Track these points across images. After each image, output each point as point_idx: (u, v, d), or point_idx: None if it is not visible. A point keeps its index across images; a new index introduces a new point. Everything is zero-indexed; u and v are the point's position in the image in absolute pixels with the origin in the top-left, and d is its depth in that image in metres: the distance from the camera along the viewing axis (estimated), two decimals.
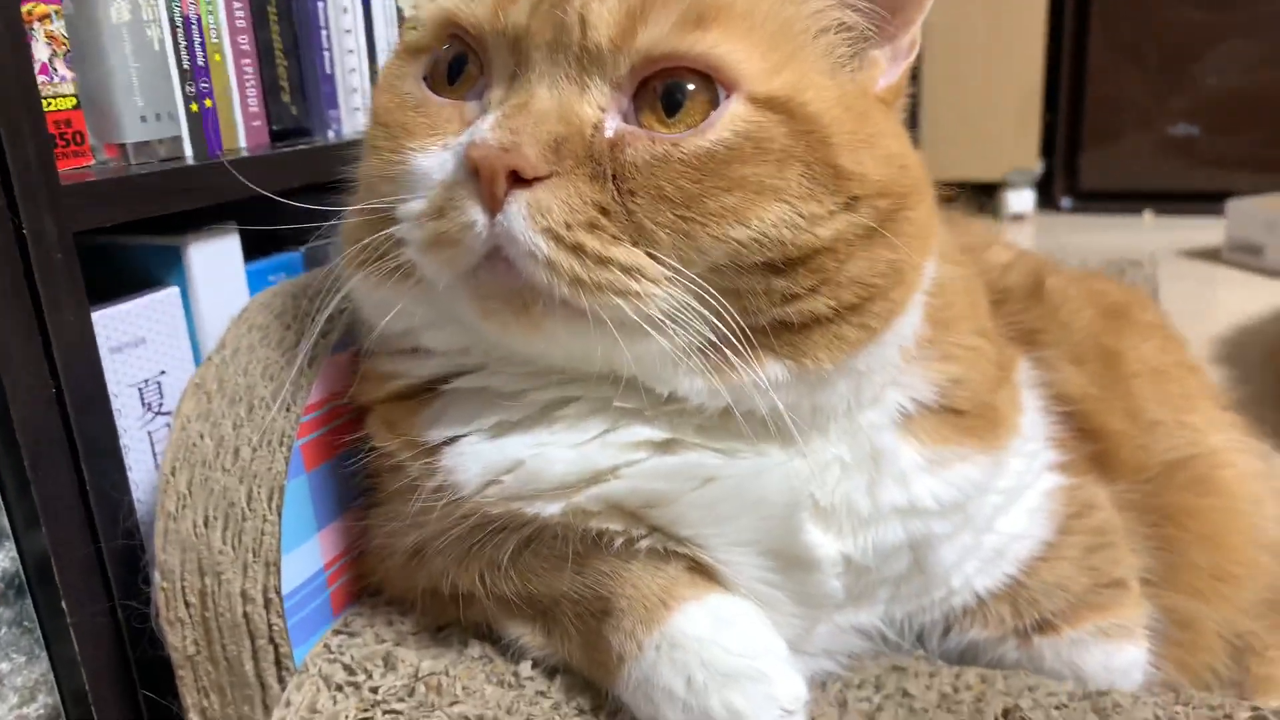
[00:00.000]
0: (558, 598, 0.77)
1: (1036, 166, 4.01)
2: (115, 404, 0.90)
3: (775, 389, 0.68)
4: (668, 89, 0.65)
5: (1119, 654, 0.84)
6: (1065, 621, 0.83)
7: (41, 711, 0.86)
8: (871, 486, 0.75)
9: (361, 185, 0.76)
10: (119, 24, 0.93)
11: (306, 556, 0.84)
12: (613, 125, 0.65)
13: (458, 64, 0.72)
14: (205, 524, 0.81)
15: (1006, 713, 0.76)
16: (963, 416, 0.79)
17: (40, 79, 0.86)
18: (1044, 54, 3.90)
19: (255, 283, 1.07)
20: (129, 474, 0.91)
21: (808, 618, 0.77)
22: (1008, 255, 1.12)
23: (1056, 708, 0.76)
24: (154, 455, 0.96)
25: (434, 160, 0.68)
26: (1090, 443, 0.94)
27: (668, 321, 0.65)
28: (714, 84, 0.65)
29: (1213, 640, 0.93)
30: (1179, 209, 3.87)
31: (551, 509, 0.72)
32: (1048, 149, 4.09)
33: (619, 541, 0.74)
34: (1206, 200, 3.57)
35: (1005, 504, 0.82)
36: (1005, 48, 3.87)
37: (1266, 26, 3.74)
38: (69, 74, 0.89)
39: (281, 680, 0.82)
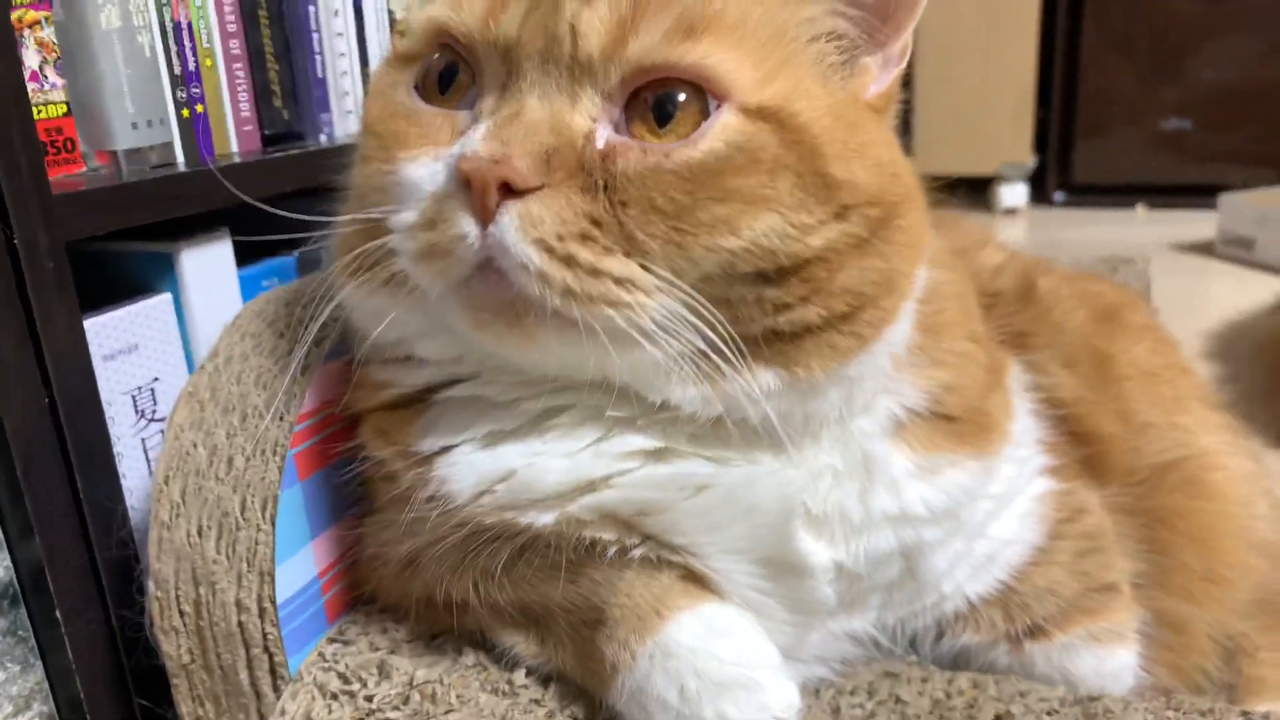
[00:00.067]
0: (551, 607, 0.77)
1: (1029, 161, 4.01)
2: (108, 411, 0.90)
3: (767, 397, 0.69)
4: (659, 99, 0.65)
5: (1110, 659, 0.84)
6: (1056, 626, 0.84)
7: None
8: (863, 494, 0.76)
9: (353, 194, 0.76)
10: (109, 30, 0.93)
11: (300, 565, 0.84)
12: (604, 136, 0.65)
13: (449, 73, 0.71)
14: (199, 533, 0.81)
15: (998, 718, 0.77)
16: (954, 423, 0.79)
17: (31, 86, 0.86)
18: (1037, 49, 3.90)
19: (248, 288, 1.07)
20: (123, 481, 0.91)
21: (801, 625, 0.78)
22: (1000, 256, 1.12)
23: (1048, 713, 0.77)
24: (148, 462, 0.96)
25: (425, 171, 0.68)
26: (1081, 446, 0.94)
27: (660, 331, 0.65)
28: (705, 94, 0.65)
29: (1204, 642, 0.94)
30: (1172, 202, 3.88)
31: (545, 519, 0.72)
32: (1041, 143, 4.09)
33: (612, 550, 0.74)
34: (1199, 194, 3.58)
35: (997, 510, 0.82)
36: (998, 43, 3.87)
37: (1259, 21, 3.74)
38: (59, 81, 0.89)
39: (276, 689, 0.82)
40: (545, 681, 0.79)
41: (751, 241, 0.65)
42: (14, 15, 0.85)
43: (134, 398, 0.95)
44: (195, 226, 1.01)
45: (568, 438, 0.73)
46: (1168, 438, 0.99)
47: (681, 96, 0.65)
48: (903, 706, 0.78)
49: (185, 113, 1.02)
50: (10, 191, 0.79)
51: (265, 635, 0.81)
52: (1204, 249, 3.27)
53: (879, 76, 0.74)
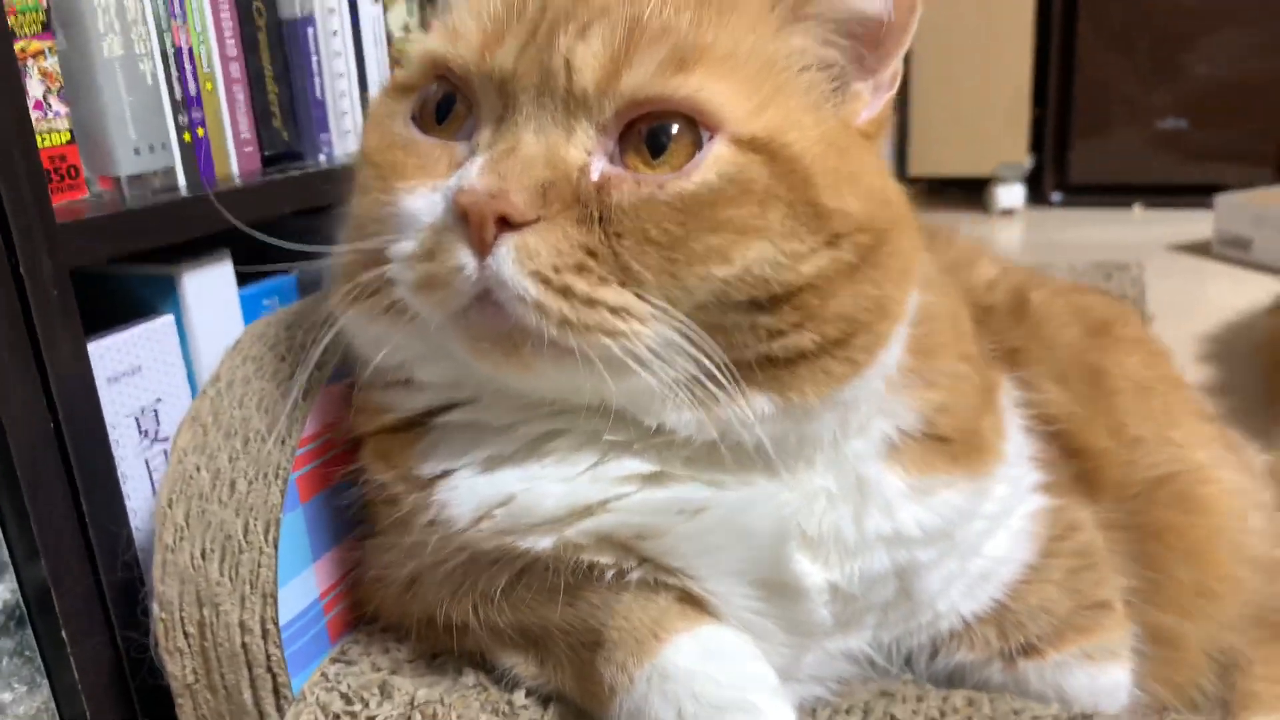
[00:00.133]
0: (550, 629, 0.78)
1: (1026, 161, 4.02)
2: (112, 433, 0.91)
3: (762, 422, 0.70)
4: (652, 131, 0.66)
5: (1103, 676, 0.85)
6: (1050, 645, 0.84)
7: None
8: (858, 516, 0.77)
9: (352, 224, 0.77)
10: (111, 59, 0.94)
11: (303, 587, 0.85)
12: (599, 167, 0.67)
13: (446, 103, 0.73)
14: (203, 556, 0.82)
15: None
16: (947, 443, 0.80)
17: (34, 114, 0.87)
18: (1032, 48, 3.91)
19: (249, 308, 1.08)
20: (127, 502, 0.92)
21: (797, 645, 0.79)
22: (993, 270, 1.13)
23: None
24: (151, 482, 0.98)
25: (423, 202, 0.69)
26: (1074, 461, 0.95)
27: (654, 358, 0.66)
28: (698, 125, 0.66)
29: (1198, 657, 0.95)
30: (1169, 202, 3.88)
31: (543, 543, 0.73)
32: (1037, 143, 4.09)
33: (610, 574, 0.75)
34: (1196, 193, 3.58)
35: (990, 529, 0.83)
36: (994, 43, 3.88)
37: (1255, 15, 3.74)
38: (63, 109, 0.90)
39: (279, 709, 0.83)
40: (545, 702, 0.80)
41: (744, 270, 0.66)
42: (18, 46, 0.85)
43: (137, 419, 0.96)
44: (196, 248, 1.02)
45: (565, 462, 0.75)
46: (1160, 452, 1.00)
47: (675, 128, 0.66)
48: None
49: (186, 136, 1.03)
50: (15, 221, 0.80)
51: (269, 656, 0.82)
52: (1201, 249, 3.28)
53: (870, 102, 0.75)
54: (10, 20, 0.85)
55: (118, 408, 0.94)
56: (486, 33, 0.70)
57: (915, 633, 0.85)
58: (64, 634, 0.85)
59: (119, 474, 0.91)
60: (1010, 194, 4.00)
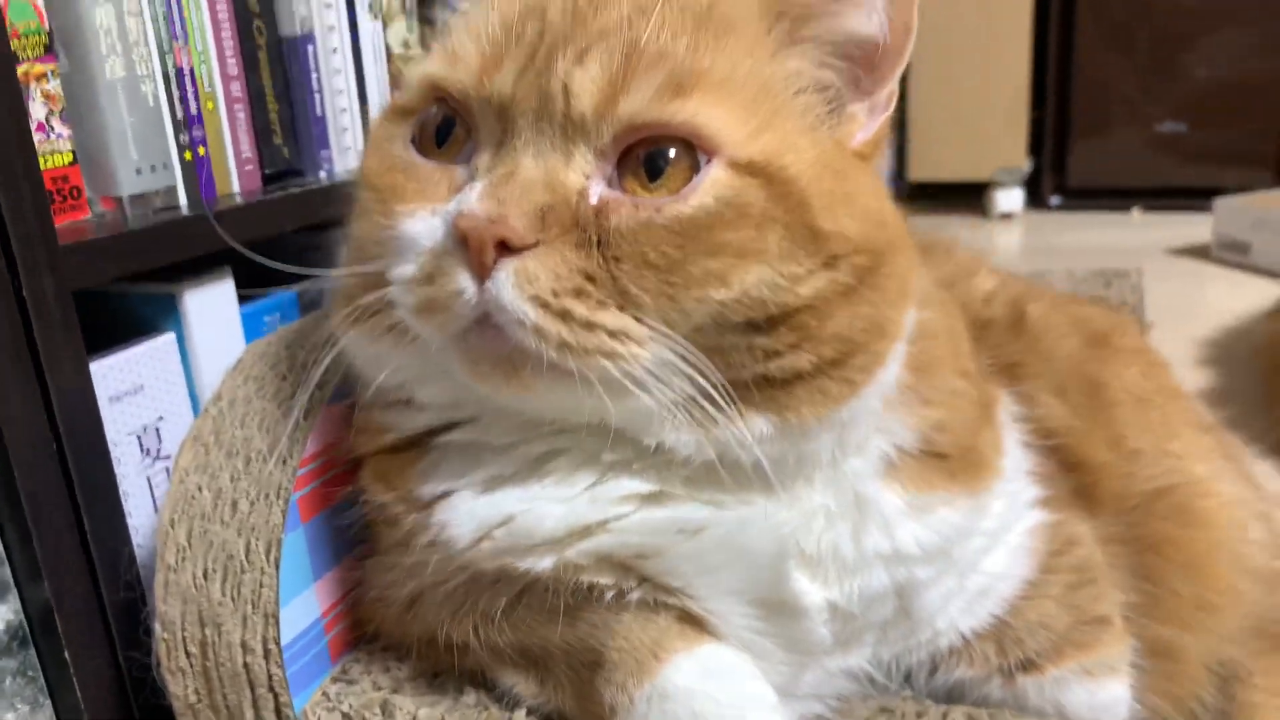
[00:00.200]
0: (551, 649, 0.78)
1: (1024, 165, 4.02)
2: (114, 451, 0.92)
3: (760, 443, 0.70)
4: (650, 156, 0.67)
5: (1102, 691, 0.86)
6: (1048, 660, 0.85)
7: None
8: (856, 534, 0.77)
9: (353, 246, 0.78)
10: (113, 80, 0.94)
11: (304, 606, 0.86)
12: (597, 191, 0.67)
13: (445, 127, 0.73)
14: (205, 576, 0.83)
15: None
16: (945, 460, 0.81)
17: (37, 137, 0.87)
18: (1030, 52, 3.91)
19: (250, 324, 1.09)
20: (129, 520, 0.93)
21: (796, 664, 0.79)
22: (991, 283, 1.13)
23: None
24: (154, 500, 0.98)
25: (423, 226, 0.69)
26: (1072, 475, 0.95)
27: (652, 380, 0.67)
28: (695, 149, 0.67)
29: (1197, 670, 0.95)
30: (1168, 205, 3.88)
31: (543, 564, 0.74)
32: (1036, 147, 4.09)
33: (610, 594, 0.75)
34: (1195, 196, 3.58)
35: (989, 545, 0.84)
36: (992, 47, 3.88)
37: (1254, 16, 3.73)
38: (65, 130, 0.91)
39: None
40: None
41: (742, 293, 0.66)
42: (20, 69, 0.86)
43: (139, 437, 0.97)
44: (198, 266, 1.02)
45: (564, 482, 0.75)
46: (1159, 465, 1.00)
47: (672, 152, 0.67)
48: None
49: (188, 155, 1.04)
50: (18, 243, 0.81)
51: (270, 676, 0.82)
52: (1200, 252, 3.28)
53: (866, 124, 0.76)
54: (13, 44, 0.85)
55: (120, 426, 0.94)
56: (485, 56, 0.70)
57: (914, 649, 0.85)
58: (66, 654, 0.85)
59: (121, 492, 0.92)
60: (1009, 198, 4.00)
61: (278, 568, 0.82)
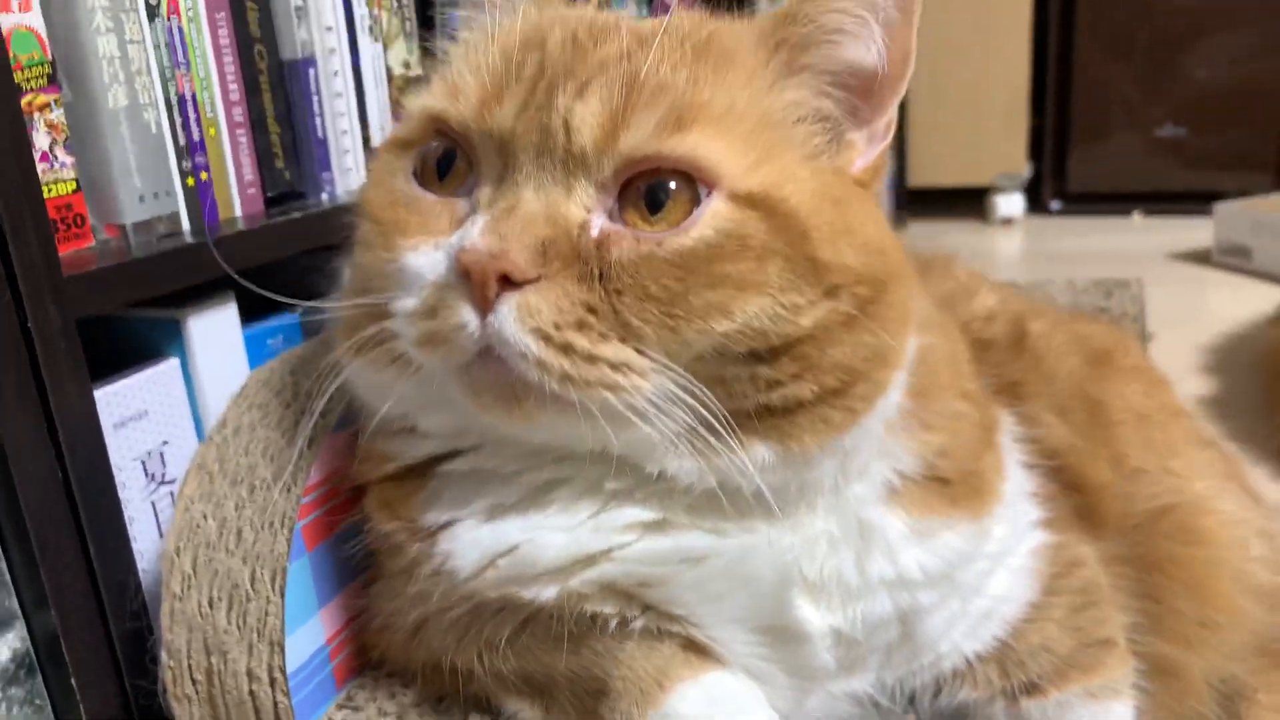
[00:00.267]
0: (555, 677, 0.79)
1: (1025, 170, 4.01)
2: (119, 477, 0.92)
3: (762, 471, 0.70)
4: (650, 189, 0.67)
5: (1106, 714, 0.85)
6: (1052, 684, 0.85)
7: None
8: (860, 559, 0.77)
9: (356, 277, 0.78)
10: (116, 109, 0.95)
11: (309, 634, 0.86)
12: (598, 224, 0.67)
13: (446, 159, 0.73)
14: (210, 604, 0.83)
15: None
16: (948, 485, 0.81)
17: (41, 166, 0.88)
18: (1030, 57, 3.91)
19: (253, 347, 1.09)
20: (134, 545, 0.93)
21: (800, 689, 0.80)
22: (992, 301, 1.13)
23: None
24: (158, 525, 0.98)
25: (426, 259, 0.69)
26: (1074, 494, 0.96)
27: (654, 410, 0.67)
28: (695, 182, 0.67)
29: (1200, 688, 0.95)
30: (1168, 209, 3.88)
31: (546, 593, 0.74)
32: (1036, 152, 4.09)
33: (614, 622, 0.76)
34: (1196, 200, 3.58)
35: (992, 568, 0.84)
36: (991, 52, 3.87)
37: (1254, 17, 3.73)
38: (69, 159, 0.91)
39: None
40: None
41: (743, 324, 0.67)
42: (24, 100, 0.86)
43: (144, 462, 0.97)
44: (201, 290, 1.02)
45: (567, 511, 0.75)
46: (1160, 484, 1.01)
47: (672, 185, 0.67)
48: None
49: (190, 181, 1.04)
50: (23, 274, 0.81)
51: (276, 704, 0.83)
52: (1201, 257, 3.27)
53: (865, 151, 0.76)
54: (16, 75, 0.86)
55: (124, 452, 0.94)
56: (486, 90, 0.71)
57: (918, 673, 0.85)
58: (74, 682, 0.86)
59: (125, 517, 0.92)
60: (1009, 203, 4.00)
61: (283, 596, 0.83)
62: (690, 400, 0.67)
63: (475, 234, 0.66)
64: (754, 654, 0.77)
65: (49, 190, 0.89)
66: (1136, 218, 3.95)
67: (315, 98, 1.19)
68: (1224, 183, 3.58)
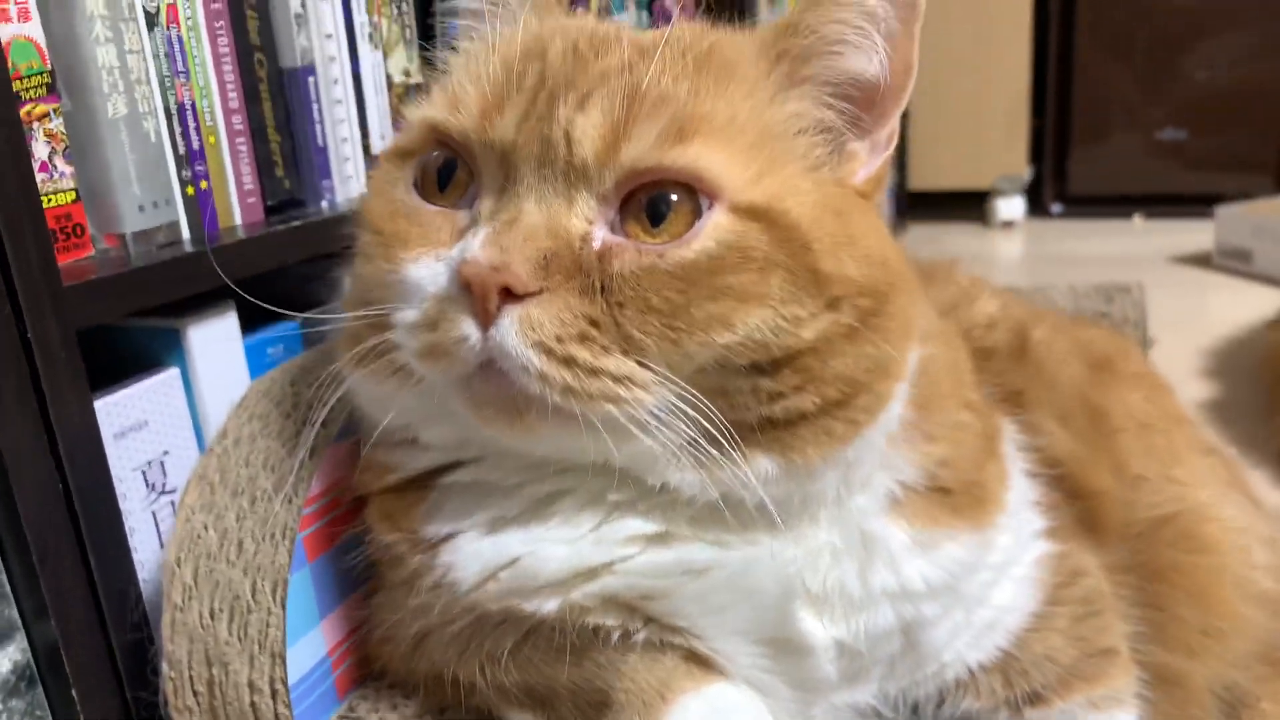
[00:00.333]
0: (557, 689, 0.78)
1: (1025, 173, 4.02)
2: (119, 487, 0.92)
3: (765, 483, 0.70)
4: (652, 200, 0.67)
5: None
6: (1055, 693, 0.85)
7: None
8: (863, 571, 0.77)
9: (356, 288, 0.78)
10: (116, 119, 0.95)
11: (311, 645, 0.86)
12: (600, 236, 0.67)
13: (447, 170, 0.73)
14: (211, 616, 0.83)
15: None
16: (950, 496, 0.81)
17: (40, 177, 0.87)
18: (1030, 59, 3.91)
19: (254, 356, 1.09)
20: (134, 555, 0.93)
21: (803, 701, 0.79)
22: (994, 308, 1.13)
23: None
24: (159, 534, 0.98)
25: (427, 271, 0.69)
26: (1077, 504, 0.96)
27: (656, 423, 0.67)
28: (697, 194, 0.67)
29: (1203, 696, 0.95)
30: (1169, 212, 3.88)
31: (548, 606, 0.74)
32: (1036, 155, 4.09)
33: (616, 635, 0.76)
34: (1196, 203, 3.58)
35: (995, 579, 0.83)
36: (991, 55, 3.88)
37: (1254, 19, 3.73)
38: (68, 169, 0.91)
39: None
40: None
41: (745, 336, 0.66)
42: (23, 110, 0.86)
43: (144, 472, 0.97)
44: (201, 299, 1.02)
45: (569, 523, 0.75)
46: (1162, 491, 1.01)
47: (674, 197, 0.67)
48: None
49: (190, 190, 1.04)
50: (22, 285, 0.81)
51: (278, 715, 0.83)
52: (1201, 260, 3.28)
53: (867, 161, 0.76)
54: (15, 84, 0.86)
55: (124, 462, 0.94)
56: (486, 101, 0.71)
57: (921, 683, 0.85)
58: (74, 693, 0.85)
59: (126, 528, 0.92)
60: (1010, 206, 4.00)
61: (284, 607, 0.83)
62: (692, 412, 0.67)
63: (476, 246, 0.65)
64: (756, 666, 0.77)
65: (48, 200, 0.89)
66: (1137, 220, 3.96)
67: (315, 106, 1.19)
68: (1224, 185, 3.59)
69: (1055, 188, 4.15)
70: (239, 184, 1.10)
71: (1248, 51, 3.76)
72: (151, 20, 0.99)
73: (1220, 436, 1.76)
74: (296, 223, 1.12)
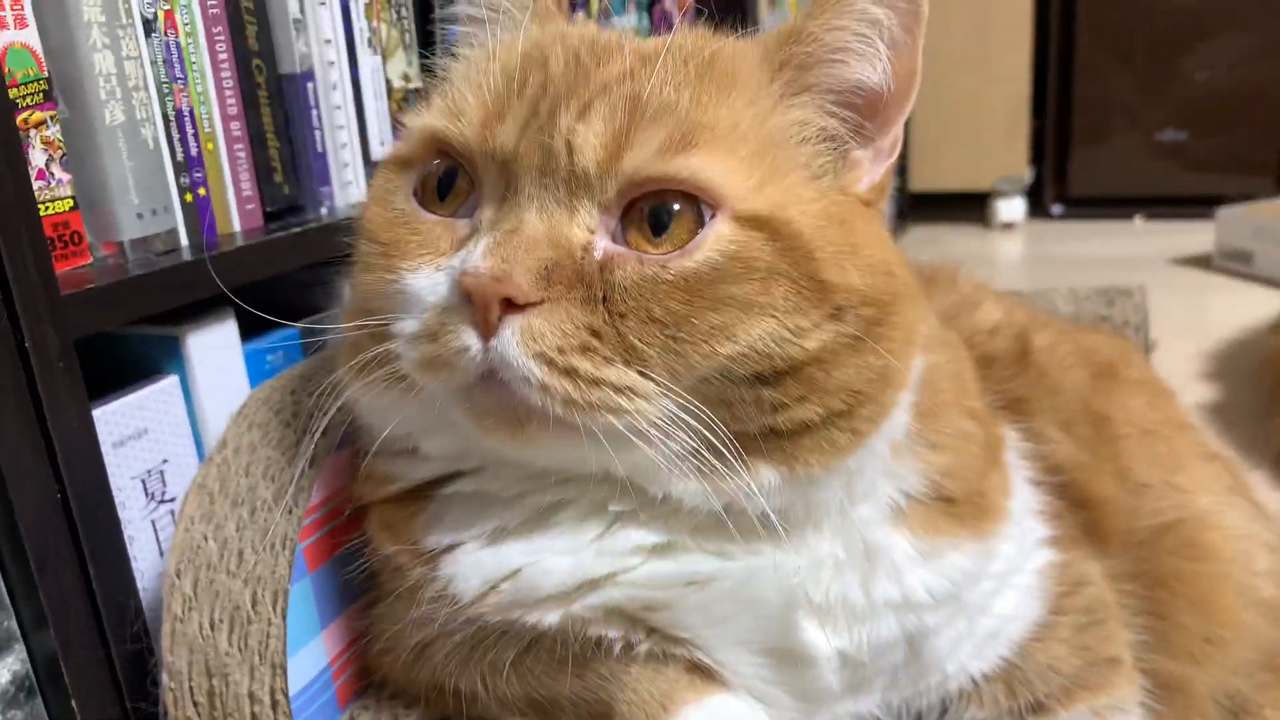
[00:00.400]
0: (559, 701, 0.78)
1: (1026, 174, 4.01)
2: (118, 496, 0.91)
3: (767, 493, 0.70)
4: (654, 210, 0.67)
5: None
6: (1058, 703, 0.84)
7: None
8: (865, 582, 0.77)
9: (356, 298, 0.77)
10: (113, 126, 0.94)
11: (311, 655, 0.86)
12: (601, 246, 0.67)
13: (447, 178, 0.73)
14: (212, 626, 0.83)
15: None
16: (953, 505, 0.80)
17: (37, 184, 0.87)
18: (1030, 61, 3.91)
19: (253, 363, 1.08)
20: (134, 564, 0.92)
21: (806, 711, 0.79)
22: (996, 313, 1.13)
23: None
24: (158, 543, 0.98)
25: (427, 281, 0.69)
26: (1080, 511, 0.95)
27: (658, 434, 0.67)
28: (699, 203, 0.67)
29: (1205, 704, 0.95)
30: (1170, 213, 3.88)
31: (550, 618, 0.74)
32: (1037, 156, 4.09)
33: (618, 646, 0.75)
34: (1197, 204, 3.58)
35: (998, 588, 0.83)
36: (992, 56, 3.87)
37: (1254, 19, 3.72)
38: (65, 176, 0.90)
39: None
40: None
41: (748, 347, 0.66)
42: (20, 117, 0.86)
43: (143, 481, 0.96)
44: (200, 306, 1.02)
45: (570, 534, 0.75)
46: (1165, 499, 1.00)
47: (676, 206, 0.67)
48: None
49: (188, 197, 1.03)
50: (20, 294, 0.80)
51: None
52: (1202, 262, 3.27)
53: (870, 170, 0.76)
54: (12, 92, 0.85)
55: (124, 470, 0.94)
56: (487, 109, 0.70)
57: (924, 693, 0.84)
58: (74, 704, 0.85)
59: (125, 537, 0.92)
60: (1010, 207, 4.00)
61: (285, 618, 0.82)
62: (694, 423, 0.67)
63: (477, 256, 0.65)
64: (759, 676, 0.77)
65: (45, 208, 0.88)
66: (1138, 222, 3.95)
67: (314, 111, 1.19)
68: (1225, 186, 3.59)
69: (1056, 189, 4.14)
70: (238, 191, 1.10)
71: (1248, 52, 3.75)
72: (149, 26, 0.99)
73: (1220, 439, 1.76)
74: (296, 229, 1.11)
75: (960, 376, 0.87)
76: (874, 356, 0.70)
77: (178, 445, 1.00)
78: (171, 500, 0.99)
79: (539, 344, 0.64)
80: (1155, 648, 0.92)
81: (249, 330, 1.07)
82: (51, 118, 0.90)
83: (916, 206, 4.06)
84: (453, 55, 0.83)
